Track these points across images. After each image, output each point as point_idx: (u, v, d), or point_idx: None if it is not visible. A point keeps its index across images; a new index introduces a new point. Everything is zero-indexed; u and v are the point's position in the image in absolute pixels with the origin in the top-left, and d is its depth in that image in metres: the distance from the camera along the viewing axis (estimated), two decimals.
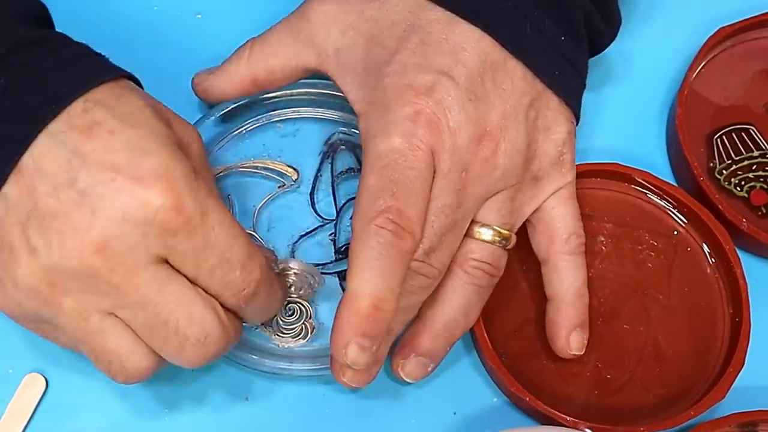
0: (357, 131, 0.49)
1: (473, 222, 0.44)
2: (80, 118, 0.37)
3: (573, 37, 0.46)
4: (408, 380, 0.45)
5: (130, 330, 0.38)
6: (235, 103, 0.50)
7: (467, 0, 0.44)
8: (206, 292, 0.39)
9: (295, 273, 0.45)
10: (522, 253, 0.48)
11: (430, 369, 0.45)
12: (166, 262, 0.37)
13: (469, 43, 0.43)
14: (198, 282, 0.38)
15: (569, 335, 0.46)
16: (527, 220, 0.46)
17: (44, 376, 0.46)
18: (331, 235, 0.49)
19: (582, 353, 0.46)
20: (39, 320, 0.39)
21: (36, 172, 0.36)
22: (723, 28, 0.54)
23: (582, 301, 0.46)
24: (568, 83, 0.46)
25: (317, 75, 0.47)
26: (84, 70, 0.39)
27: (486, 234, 0.44)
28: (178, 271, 0.38)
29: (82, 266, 0.36)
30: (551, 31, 0.45)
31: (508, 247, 0.45)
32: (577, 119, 0.47)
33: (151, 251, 0.36)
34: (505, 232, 0.44)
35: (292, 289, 0.46)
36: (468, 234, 0.44)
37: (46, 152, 0.36)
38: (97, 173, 0.36)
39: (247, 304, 0.40)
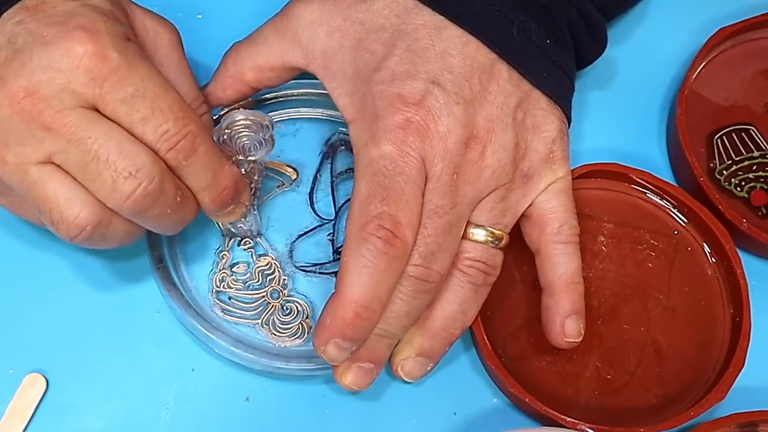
0: None
1: (467, 223, 0.44)
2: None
3: (559, 42, 0.47)
4: (408, 380, 0.46)
5: (69, 177, 0.39)
6: (235, 103, 0.50)
7: (454, 4, 0.44)
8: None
9: (243, 125, 0.45)
10: (520, 255, 0.48)
11: (429, 368, 0.46)
12: (97, 111, 0.39)
13: (455, 47, 0.44)
14: (132, 133, 0.39)
15: (564, 322, 0.45)
16: (521, 214, 0.46)
17: (44, 376, 0.46)
18: (329, 235, 0.50)
19: (579, 341, 0.45)
20: None
21: None
22: (723, 28, 0.54)
23: (576, 288, 0.46)
24: (556, 84, 0.46)
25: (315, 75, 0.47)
26: None
27: (479, 235, 0.44)
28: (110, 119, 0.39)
29: (14, 111, 0.38)
30: (537, 35, 0.45)
31: (500, 246, 0.45)
32: (569, 119, 0.48)
33: (79, 97, 0.38)
34: (498, 232, 0.44)
35: (248, 146, 0.45)
36: (462, 235, 0.44)
37: None
38: (32, 35, 0.39)
39: (187, 161, 0.41)
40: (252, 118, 0.44)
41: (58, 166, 0.39)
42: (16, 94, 0.38)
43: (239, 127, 0.45)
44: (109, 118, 0.39)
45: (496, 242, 0.44)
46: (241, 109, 0.45)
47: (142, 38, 0.44)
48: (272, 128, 0.45)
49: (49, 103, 0.38)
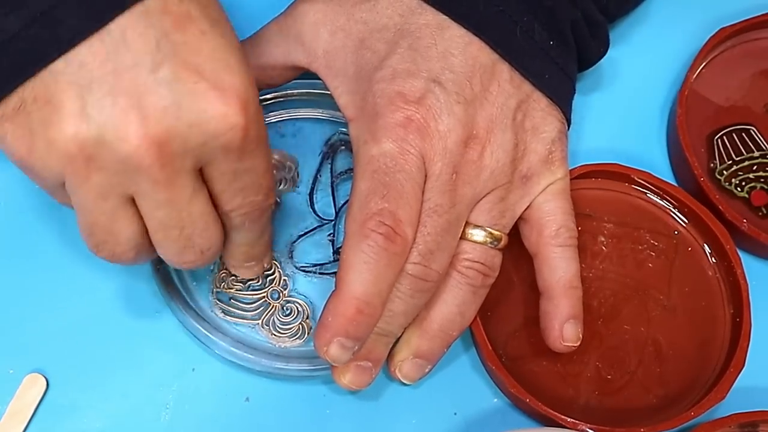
0: None
1: (465, 224, 0.44)
2: (177, 5, 0.35)
3: (562, 43, 0.47)
4: (405, 381, 0.46)
5: (140, 221, 0.38)
6: None
7: (457, 4, 0.44)
8: (220, 204, 0.39)
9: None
10: (520, 254, 0.48)
11: (427, 370, 0.46)
12: (200, 170, 0.37)
13: (457, 47, 0.44)
14: (220, 196, 0.39)
15: (562, 326, 0.45)
16: (519, 216, 0.46)
17: (44, 376, 0.46)
18: (329, 235, 0.50)
19: (577, 345, 0.45)
20: (52, 185, 0.37)
21: (121, 43, 0.34)
22: (724, 28, 0.54)
23: (575, 292, 0.46)
24: (557, 86, 0.46)
25: (316, 75, 0.47)
26: None
27: (478, 236, 0.44)
28: (205, 182, 0.38)
29: (134, 154, 0.35)
30: (540, 36, 0.45)
31: (499, 247, 0.45)
32: (569, 121, 0.48)
33: (198, 161, 0.36)
34: (497, 233, 0.44)
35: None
36: (460, 236, 0.44)
37: (135, 27, 0.34)
38: (181, 70, 0.34)
39: (246, 227, 0.41)
40: (276, 157, 0.44)
41: (135, 206, 0.38)
42: (147, 138, 0.34)
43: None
44: (208, 178, 0.38)
45: (495, 243, 0.44)
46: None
47: None
48: (296, 167, 0.44)
49: (171, 159, 0.35)
